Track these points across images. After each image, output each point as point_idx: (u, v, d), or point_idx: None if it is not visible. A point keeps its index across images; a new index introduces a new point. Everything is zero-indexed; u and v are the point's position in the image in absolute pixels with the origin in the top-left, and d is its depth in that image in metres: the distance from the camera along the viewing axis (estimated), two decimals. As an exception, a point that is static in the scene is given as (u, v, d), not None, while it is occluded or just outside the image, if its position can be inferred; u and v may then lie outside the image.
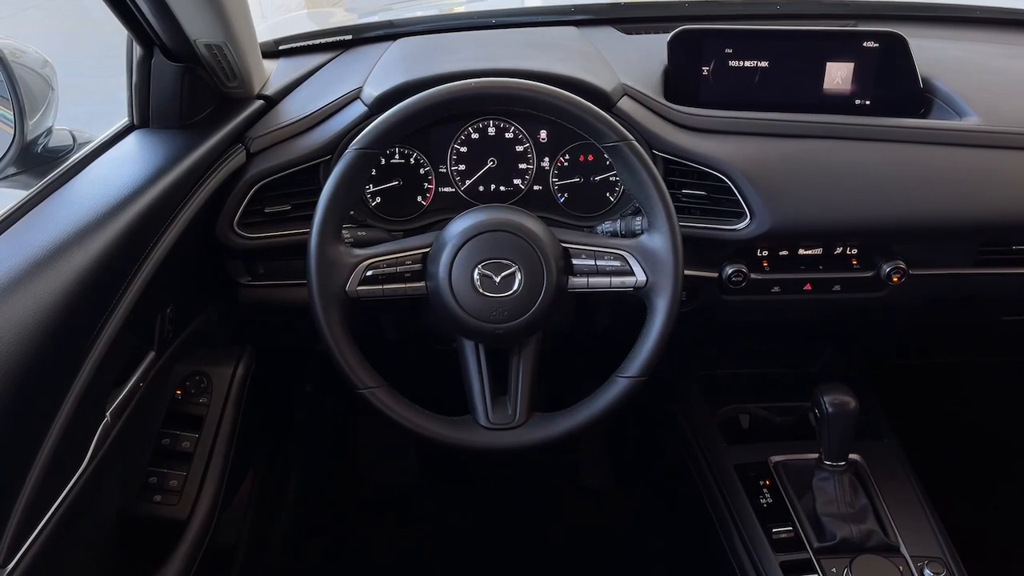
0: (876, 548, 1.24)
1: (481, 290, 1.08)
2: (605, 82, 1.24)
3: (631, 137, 1.09)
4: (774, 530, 1.29)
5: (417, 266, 1.11)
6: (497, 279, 1.08)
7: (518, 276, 1.08)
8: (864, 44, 1.33)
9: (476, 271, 1.08)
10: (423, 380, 1.35)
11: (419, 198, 1.33)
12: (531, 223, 1.11)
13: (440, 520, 1.98)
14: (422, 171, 1.32)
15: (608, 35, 1.54)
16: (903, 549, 1.25)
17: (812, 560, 1.24)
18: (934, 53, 1.41)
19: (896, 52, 1.32)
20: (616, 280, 1.11)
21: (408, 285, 1.11)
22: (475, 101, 1.09)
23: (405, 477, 2.06)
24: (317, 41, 1.51)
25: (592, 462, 2.07)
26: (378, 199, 1.32)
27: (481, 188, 1.33)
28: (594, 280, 1.12)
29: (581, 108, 1.08)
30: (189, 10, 1.02)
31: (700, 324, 1.42)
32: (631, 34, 1.54)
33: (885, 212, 1.22)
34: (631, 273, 1.10)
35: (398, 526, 1.95)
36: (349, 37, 1.52)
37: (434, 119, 1.11)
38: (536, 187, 1.33)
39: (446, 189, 1.33)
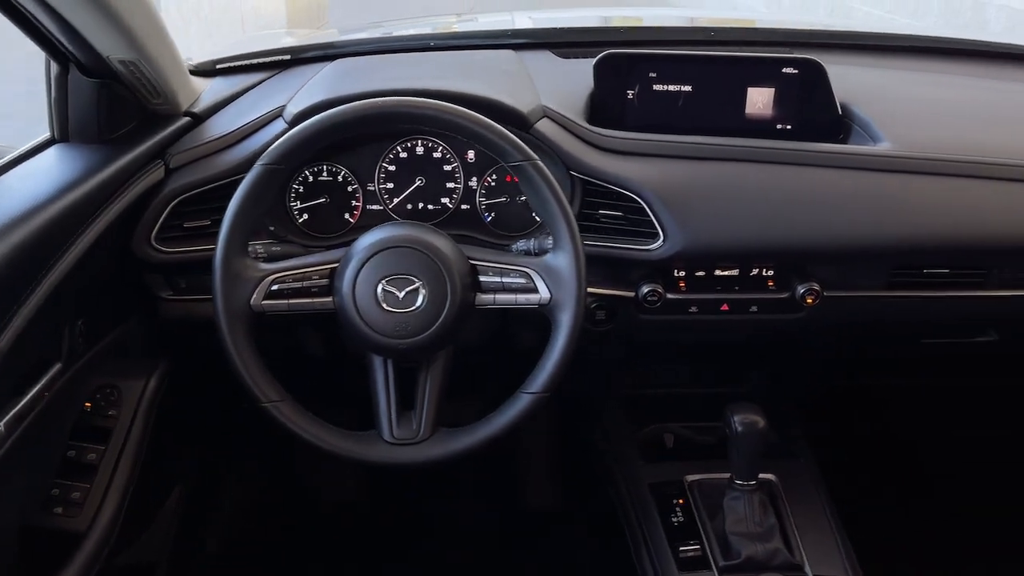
0: (780, 567, 1.24)
1: (384, 305, 1.09)
2: (523, 104, 1.26)
3: (535, 157, 1.11)
4: (681, 548, 1.29)
5: (324, 281, 1.12)
6: (400, 295, 1.09)
7: (422, 292, 1.09)
8: (783, 70, 1.35)
9: (380, 286, 1.09)
10: (348, 396, 1.35)
11: (346, 215, 1.34)
12: (436, 240, 1.12)
13: (385, 540, 1.97)
14: (350, 188, 1.33)
15: (544, 59, 1.56)
16: (807, 568, 1.26)
17: None
18: (855, 80, 1.43)
19: (814, 78, 1.34)
20: (522, 297, 1.13)
21: (315, 300, 1.12)
22: (378, 120, 1.11)
23: (347, 497, 2.05)
24: (255, 61, 1.53)
25: (530, 482, 2.06)
26: (305, 215, 1.33)
27: (409, 206, 1.34)
28: (500, 297, 1.13)
29: (485, 127, 1.10)
30: (92, 27, 1.03)
31: (623, 344, 1.43)
32: (567, 58, 1.56)
33: (798, 234, 1.24)
34: (535, 290, 1.12)
35: (338, 547, 1.94)
36: (288, 57, 1.54)
37: (341, 138, 1.13)
38: (464, 206, 1.34)
39: (374, 207, 1.34)
